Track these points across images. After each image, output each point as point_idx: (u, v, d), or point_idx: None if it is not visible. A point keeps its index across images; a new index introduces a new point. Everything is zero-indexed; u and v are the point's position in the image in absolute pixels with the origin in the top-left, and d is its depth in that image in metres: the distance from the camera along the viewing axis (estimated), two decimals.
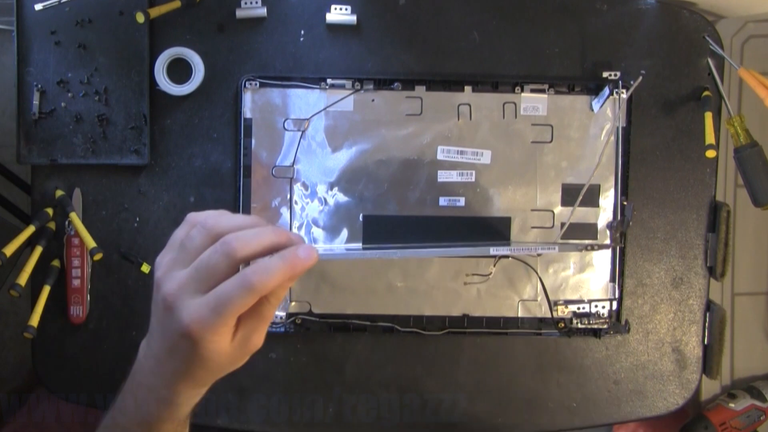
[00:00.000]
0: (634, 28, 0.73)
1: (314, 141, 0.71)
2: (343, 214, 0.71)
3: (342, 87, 0.71)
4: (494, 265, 0.72)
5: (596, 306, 0.73)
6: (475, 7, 0.72)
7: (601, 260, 0.73)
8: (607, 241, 0.71)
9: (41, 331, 0.67)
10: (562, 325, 0.73)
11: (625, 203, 0.71)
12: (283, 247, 0.39)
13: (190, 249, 0.40)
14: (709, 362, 0.74)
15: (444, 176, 0.72)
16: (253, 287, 0.37)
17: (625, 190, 0.73)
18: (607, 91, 0.70)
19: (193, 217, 0.42)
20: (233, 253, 0.38)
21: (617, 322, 0.73)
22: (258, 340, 0.41)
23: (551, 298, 0.72)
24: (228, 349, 0.40)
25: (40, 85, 0.68)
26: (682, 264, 0.74)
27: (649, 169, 0.73)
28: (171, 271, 0.39)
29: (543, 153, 0.72)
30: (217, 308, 0.37)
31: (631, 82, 0.69)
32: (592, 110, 0.72)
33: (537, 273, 0.71)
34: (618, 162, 0.72)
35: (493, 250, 0.57)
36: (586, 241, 0.54)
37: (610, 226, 0.72)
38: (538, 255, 0.71)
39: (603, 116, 0.72)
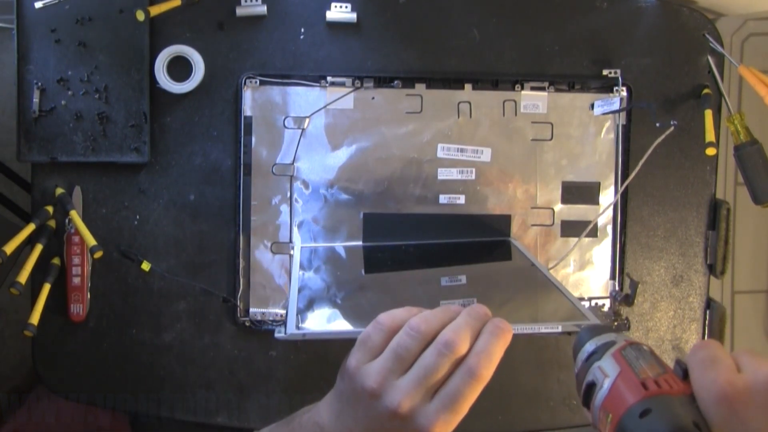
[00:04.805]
0: (634, 26, 0.73)
1: (314, 139, 0.71)
2: (343, 212, 0.71)
3: (342, 85, 0.71)
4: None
5: (596, 303, 0.73)
6: (475, 5, 0.72)
7: (602, 258, 0.73)
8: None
9: (41, 329, 0.67)
10: None
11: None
12: (482, 324, 0.42)
13: (407, 357, 0.41)
14: None
15: (444, 174, 0.72)
16: (482, 377, 0.40)
17: (624, 188, 0.73)
18: (617, 105, 0.69)
19: (387, 319, 0.42)
20: (459, 352, 0.40)
21: (617, 319, 0.73)
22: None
23: None
24: None
25: (40, 83, 0.68)
26: (682, 262, 0.74)
27: (649, 167, 0.73)
28: (389, 380, 0.40)
29: (543, 151, 0.72)
30: (454, 409, 0.40)
31: (658, 125, 0.68)
32: (592, 110, 0.72)
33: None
34: (618, 160, 0.72)
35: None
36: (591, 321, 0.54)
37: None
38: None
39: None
